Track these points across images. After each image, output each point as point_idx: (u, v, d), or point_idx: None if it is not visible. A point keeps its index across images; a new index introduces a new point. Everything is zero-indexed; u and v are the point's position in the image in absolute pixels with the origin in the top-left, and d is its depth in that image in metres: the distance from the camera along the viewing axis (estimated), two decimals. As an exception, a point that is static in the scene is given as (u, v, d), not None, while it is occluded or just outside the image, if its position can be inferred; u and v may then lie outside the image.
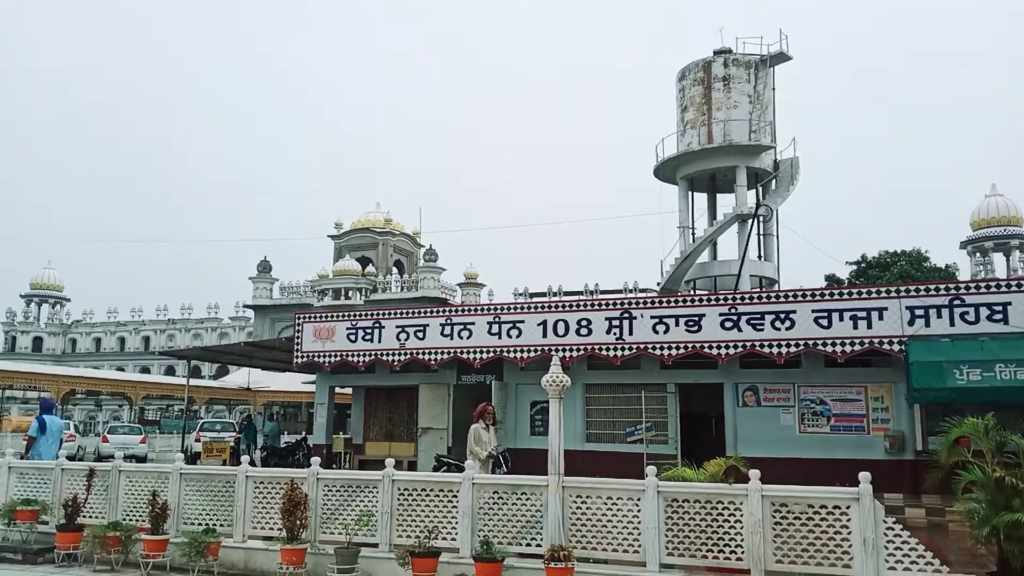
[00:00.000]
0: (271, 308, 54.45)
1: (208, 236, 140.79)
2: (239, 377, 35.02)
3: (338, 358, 16.45)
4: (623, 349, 14.12)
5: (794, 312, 13.16)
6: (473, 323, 15.40)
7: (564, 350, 14.25)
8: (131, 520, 9.58)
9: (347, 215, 57.06)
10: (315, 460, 9.37)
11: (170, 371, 66.48)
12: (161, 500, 9.25)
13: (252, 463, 9.93)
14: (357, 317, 16.73)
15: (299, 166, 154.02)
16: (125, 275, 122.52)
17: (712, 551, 7.38)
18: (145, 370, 68.15)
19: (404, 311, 16.87)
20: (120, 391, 36.56)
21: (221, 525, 9.26)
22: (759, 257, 32.99)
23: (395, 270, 56.45)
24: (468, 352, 15.32)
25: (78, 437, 28.83)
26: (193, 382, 30.82)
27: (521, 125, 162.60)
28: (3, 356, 70.92)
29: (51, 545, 9.57)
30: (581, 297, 28.91)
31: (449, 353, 15.44)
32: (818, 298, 13.18)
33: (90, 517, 9.81)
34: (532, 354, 14.77)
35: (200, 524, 9.29)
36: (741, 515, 7.31)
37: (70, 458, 11.34)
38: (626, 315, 14.22)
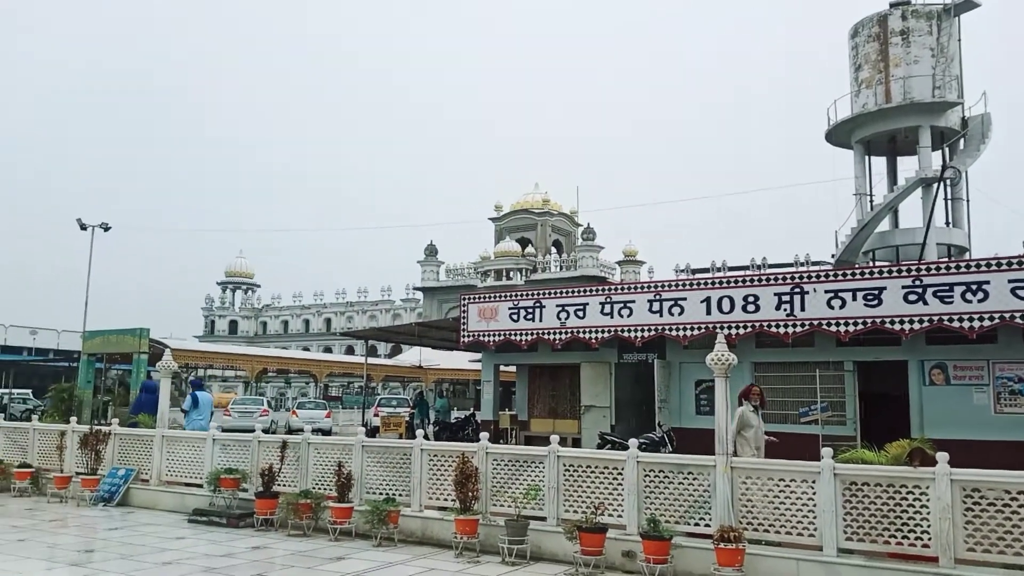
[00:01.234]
0: (438, 290, 56.54)
1: (379, 222, 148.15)
2: (411, 355, 36.72)
3: (502, 337, 16.87)
4: (795, 326, 13.51)
5: (988, 283, 12.05)
6: (633, 301, 15.28)
7: (729, 327, 13.82)
8: (319, 489, 10.34)
9: (506, 197, 58.15)
10: (484, 435, 9.71)
11: (350, 351, 70.81)
12: (346, 471, 9.94)
13: (426, 437, 10.43)
14: (519, 297, 17.04)
15: (460, 149, 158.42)
16: (308, 262, 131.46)
17: (895, 537, 6.99)
18: (328, 350, 72.91)
19: (564, 290, 17.00)
20: (306, 369, 39.44)
21: (400, 495, 9.82)
22: (947, 224, 30.46)
23: (554, 250, 56.90)
24: (629, 330, 15.23)
25: (271, 412, 31.35)
26: (371, 361, 32.66)
27: (679, 95, 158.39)
28: (204, 338, 78.40)
29: (250, 511, 10.53)
30: (747, 272, 27.90)
31: (610, 331, 15.42)
32: (1015, 267, 12.00)
33: (284, 485, 10.69)
34: (695, 332, 14.46)
35: (380, 493, 9.89)
36: (927, 500, 6.86)
37: (264, 431, 12.37)
38: (797, 290, 13.58)
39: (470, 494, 8.85)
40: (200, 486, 11.58)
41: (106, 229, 33.16)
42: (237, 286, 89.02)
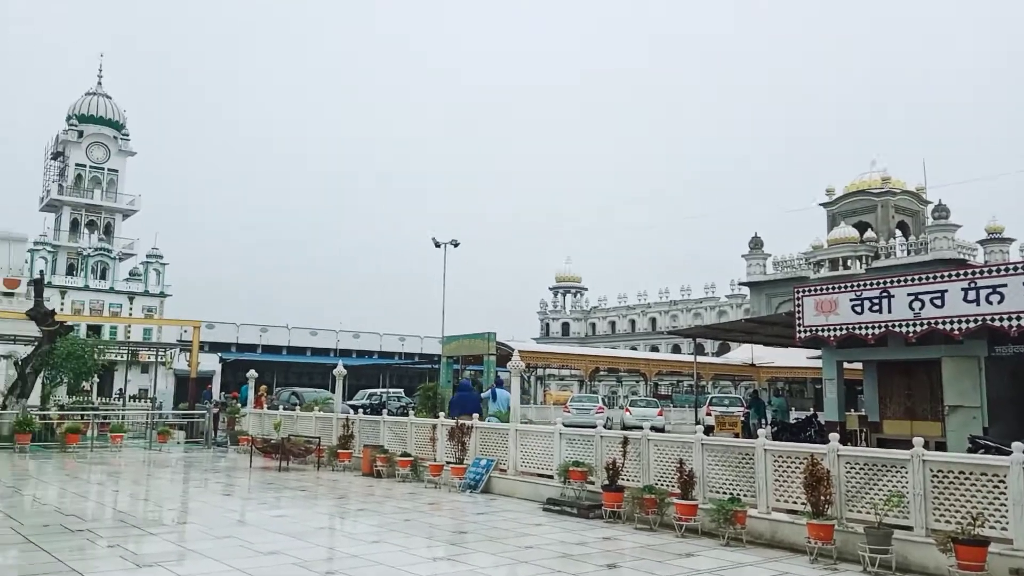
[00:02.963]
0: (765, 284, 54.29)
1: (695, 217, 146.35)
2: (741, 353, 35.73)
3: (843, 331, 15.72)
4: None
5: None
6: (1004, 285, 13.31)
7: None
8: (661, 485, 10.53)
9: (839, 180, 54.03)
10: (833, 437, 9.16)
11: (676, 349, 70.96)
12: (687, 468, 10.01)
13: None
14: (861, 287, 15.76)
15: (783, 133, 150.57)
16: (633, 260, 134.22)
17: None
18: (654, 348, 73.79)
19: (915, 276, 15.35)
20: (635, 368, 40.27)
21: (744, 495, 9.65)
22: None
23: (898, 232, 51.61)
24: (1001, 319, 13.30)
25: (606, 409, 32.53)
26: (699, 359, 32.42)
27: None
28: (540, 340, 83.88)
29: (598, 503, 11.05)
30: None
31: (976, 321, 13.60)
32: None
33: (627, 480, 11.07)
34: (1092, 318, 12.21)
35: (723, 492, 9.80)
36: None
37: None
38: None
39: (822, 498, 8.41)
40: (551, 477, 12.43)
41: (455, 245, 36.99)
42: (567, 290, 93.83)
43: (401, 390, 42.81)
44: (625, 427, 26.70)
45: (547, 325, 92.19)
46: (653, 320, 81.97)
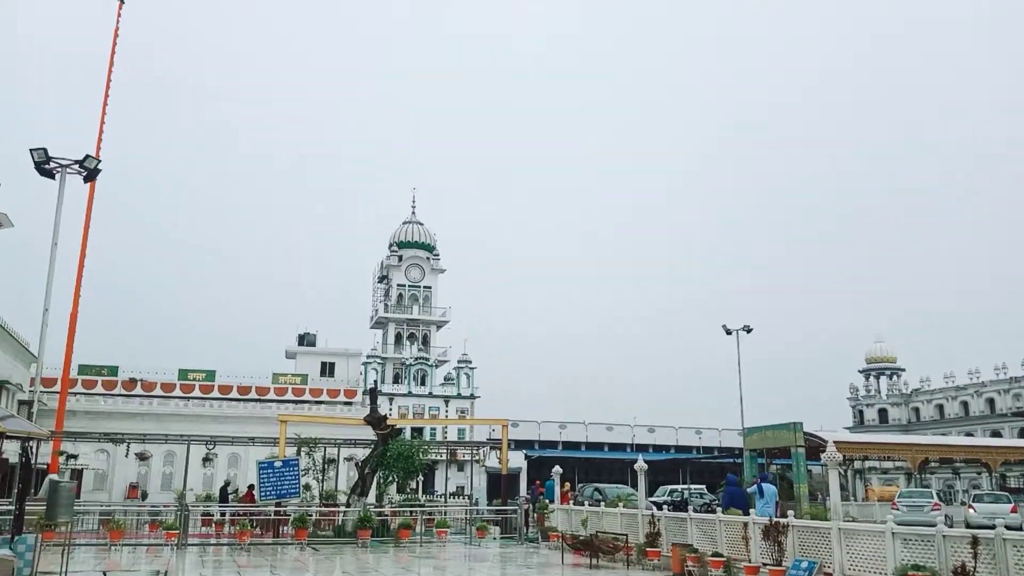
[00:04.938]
0: None
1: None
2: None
3: None
4: None
5: None
6: None
7: None
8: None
9: None
10: None
11: (1023, 433, 60.90)
12: (1060, 576, 8.48)
13: None
14: None
15: None
16: (956, 333, 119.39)
17: None
18: (995, 434, 64.03)
19: None
20: (974, 457, 35.14)
21: None
22: None
23: None
24: None
25: (943, 506, 28.63)
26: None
27: None
28: (854, 429, 76.64)
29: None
30: None
31: None
32: None
33: (982, 588, 9.61)
34: None
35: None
36: None
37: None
38: None
39: None
40: (884, 583, 11.18)
41: (748, 331, 35.77)
42: (880, 372, 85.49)
43: (703, 486, 41.37)
44: (969, 526, 23.26)
45: (860, 412, 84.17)
46: (991, 401, 71.35)
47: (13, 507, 16.13)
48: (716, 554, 14.81)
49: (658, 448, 65.06)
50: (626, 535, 17.68)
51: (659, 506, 20.85)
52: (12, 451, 21.95)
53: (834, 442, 19.37)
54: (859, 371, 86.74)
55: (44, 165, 22.60)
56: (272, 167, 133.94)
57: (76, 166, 23.18)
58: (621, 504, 21.01)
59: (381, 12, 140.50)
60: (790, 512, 14.88)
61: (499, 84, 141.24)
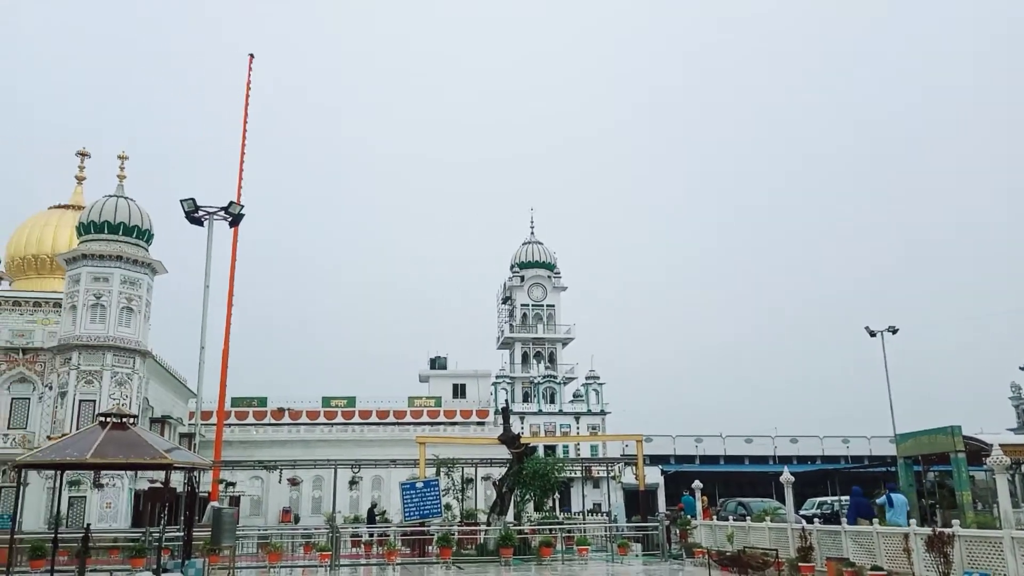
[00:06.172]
0: None
1: None
2: None
3: None
4: None
5: None
6: None
7: None
8: None
9: None
10: None
11: None
12: None
13: None
14: None
15: None
16: None
17: None
18: None
19: None
20: None
21: None
22: None
23: None
24: None
25: None
26: None
27: None
28: (1019, 431, 70.63)
29: None
30: None
31: None
32: None
33: None
34: None
35: None
36: None
37: None
38: None
39: None
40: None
41: (893, 332, 33.87)
42: (1044, 369, 78.65)
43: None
44: None
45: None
46: None
47: (182, 533, 17.35)
48: (876, 567, 14.06)
49: (802, 459, 62.32)
50: (776, 550, 17.05)
51: (808, 519, 19.97)
52: (176, 481, 23.65)
53: (1000, 445, 18.02)
54: (1020, 367, 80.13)
55: (193, 214, 24.42)
56: (392, 200, 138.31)
57: (222, 213, 24.91)
58: (768, 518, 20.29)
59: (498, 55, 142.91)
60: (955, 522, 13.95)
61: (618, 105, 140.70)
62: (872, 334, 34.22)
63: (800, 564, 16.17)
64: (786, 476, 19.20)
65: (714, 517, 23.74)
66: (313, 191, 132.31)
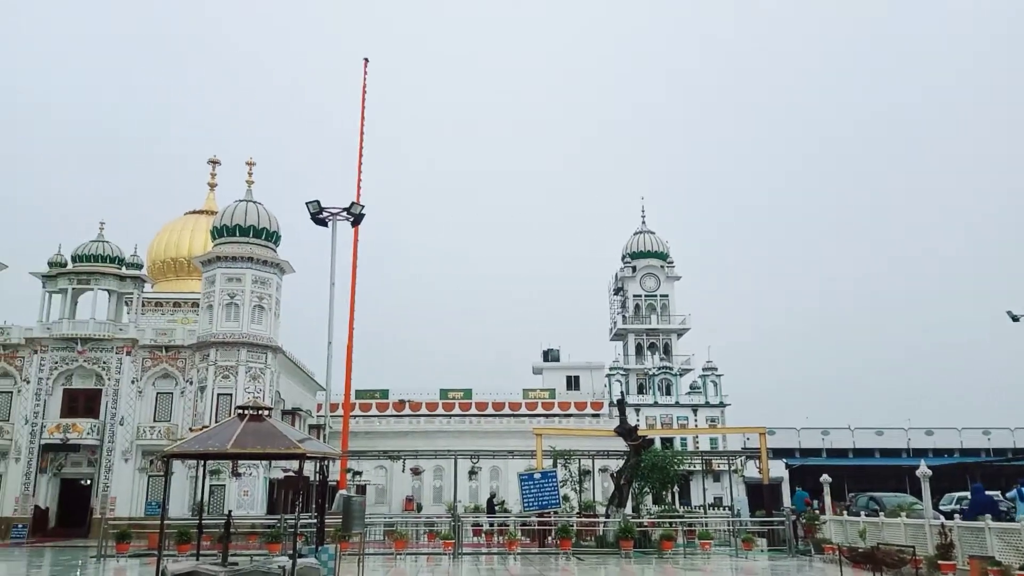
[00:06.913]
0: None
1: None
2: None
3: None
4: None
5: None
6: None
7: None
8: None
9: None
10: None
11: None
12: None
13: None
14: None
15: None
16: None
17: None
18: None
19: None
20: None
21: None
22: None
23: None
24: None
25: None
26: None
27: None
28: None
29: None
30: None
31: None
32: None
33: None
34: None
35: None
36: None
37: None
38: None
39: None
40: None
41: (1015, 319, 31.47)
42: None
43: (997, 491, 36.83)
44: None
45: None
46: None
47: (315, 520, 18.19)
48: (1025, 568, 13.17)
49: (938, 452, 58.88)
50: (912, 547, 16.22)
51: (947, 515, 18.85)
52: (308, 470, 24.84)
53: None
54: None
55: (318, 215, 25.48)
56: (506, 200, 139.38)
57: (344, 213, 25.88)
58: (903, 514, 19.33)
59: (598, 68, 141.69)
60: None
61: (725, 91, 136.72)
62: (1015, 319, 31.89)
63: (940, 562, 15.35)
64: (923, 470, 18.22)
65: (844, 513, 22.81)
66: (440, 204, 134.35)
